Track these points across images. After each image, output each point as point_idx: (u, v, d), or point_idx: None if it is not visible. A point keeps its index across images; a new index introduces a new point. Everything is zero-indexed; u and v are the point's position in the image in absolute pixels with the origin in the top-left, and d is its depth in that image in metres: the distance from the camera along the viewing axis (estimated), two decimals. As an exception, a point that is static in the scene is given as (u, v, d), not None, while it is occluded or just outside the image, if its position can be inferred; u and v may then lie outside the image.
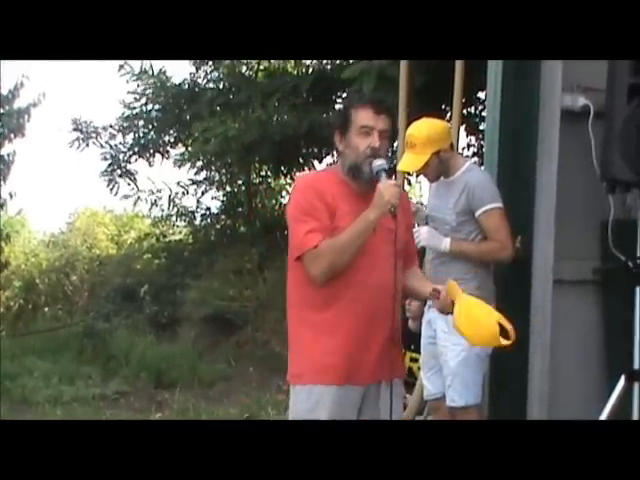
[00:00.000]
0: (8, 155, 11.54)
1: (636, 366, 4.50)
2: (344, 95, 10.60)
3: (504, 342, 3.56)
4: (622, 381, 4.44)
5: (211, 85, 12.27)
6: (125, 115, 12.52)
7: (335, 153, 9.42)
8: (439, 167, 4.75)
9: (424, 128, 4.74)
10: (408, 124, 4.93)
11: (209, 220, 13.54)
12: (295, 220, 3.64)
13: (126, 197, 13.01)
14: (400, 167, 4.93)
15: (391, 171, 3.62)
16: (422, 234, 4.71)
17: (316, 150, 11.79)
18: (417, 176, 4.95)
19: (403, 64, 5.85)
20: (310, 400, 3.60)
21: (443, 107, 9.12)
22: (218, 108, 11.39)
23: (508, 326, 3.56)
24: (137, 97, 12.29)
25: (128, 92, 12.31)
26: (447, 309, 3.62)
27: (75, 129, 12.61)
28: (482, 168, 5.24)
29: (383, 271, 3.59)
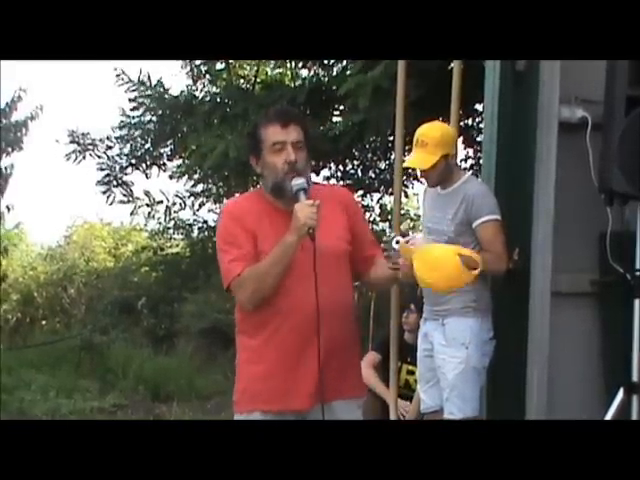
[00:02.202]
0: (6, 168, 11.57)
1: (635, 378, 4.49)
2: (341, 107, 10.61)
3: (473, 272, 3.50)
4: (620, 393, 4.43)
5: (208, 98, 12.27)
6: (122, 126, 12.52)
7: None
8: (443, 172, 4.74)
9: (437, 129, 4.77)
10: (405, 137, 4.90)
11: (206, 233, 13.52)
12: (219, 251, 3.59)
13: (123, 202, 13.01)
14: (409, 164, 4.93)
15: (310, 188, 3.50)
16: (417, 243, 4.66)
17: (313, 163, 11.78)
18: (420, 179, 4.91)
19: (400, 78, 5.84)
20: None
21: (440, 119, 9.11)
22: (215, 121, 11.39)
23: (468, 252, 3.50)
24: (133, 109, 12.29)
25: (124, 105, 12.34)
26: (412, 273, 3.56)
27: (72, 141, 12.60)
28: (479, 180, 5.23)
29: (312, 291, 3.42)
